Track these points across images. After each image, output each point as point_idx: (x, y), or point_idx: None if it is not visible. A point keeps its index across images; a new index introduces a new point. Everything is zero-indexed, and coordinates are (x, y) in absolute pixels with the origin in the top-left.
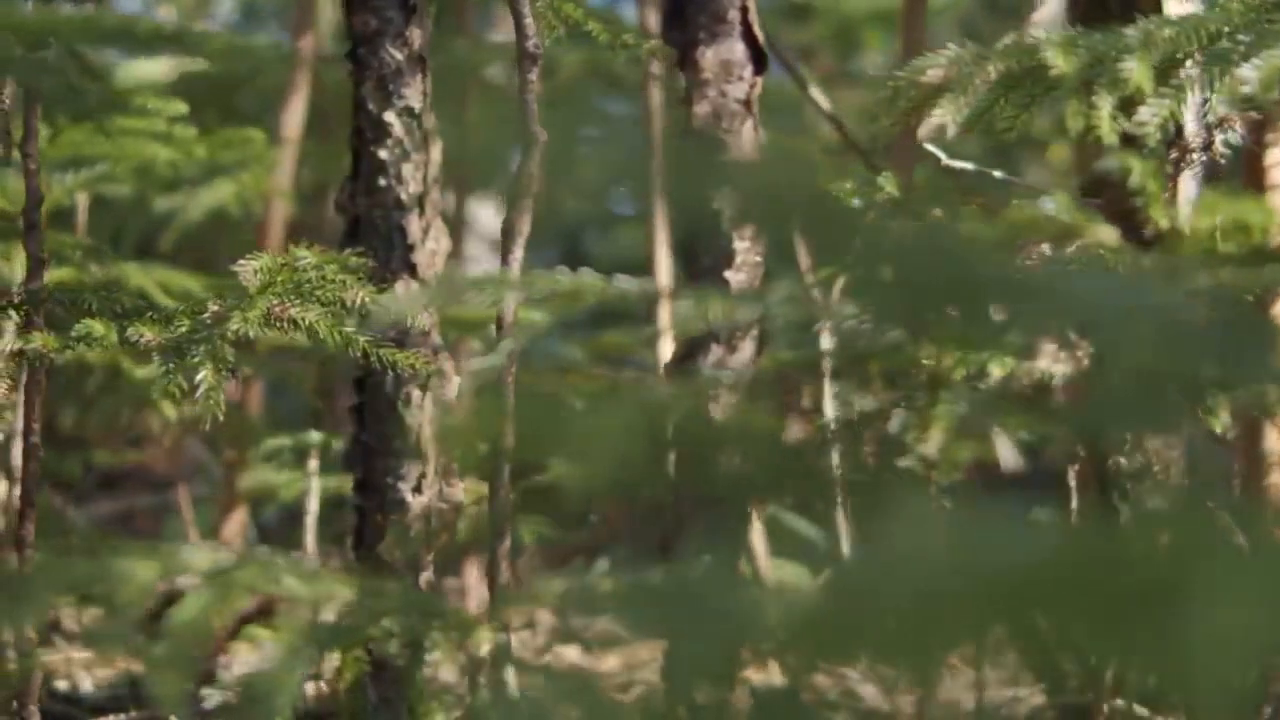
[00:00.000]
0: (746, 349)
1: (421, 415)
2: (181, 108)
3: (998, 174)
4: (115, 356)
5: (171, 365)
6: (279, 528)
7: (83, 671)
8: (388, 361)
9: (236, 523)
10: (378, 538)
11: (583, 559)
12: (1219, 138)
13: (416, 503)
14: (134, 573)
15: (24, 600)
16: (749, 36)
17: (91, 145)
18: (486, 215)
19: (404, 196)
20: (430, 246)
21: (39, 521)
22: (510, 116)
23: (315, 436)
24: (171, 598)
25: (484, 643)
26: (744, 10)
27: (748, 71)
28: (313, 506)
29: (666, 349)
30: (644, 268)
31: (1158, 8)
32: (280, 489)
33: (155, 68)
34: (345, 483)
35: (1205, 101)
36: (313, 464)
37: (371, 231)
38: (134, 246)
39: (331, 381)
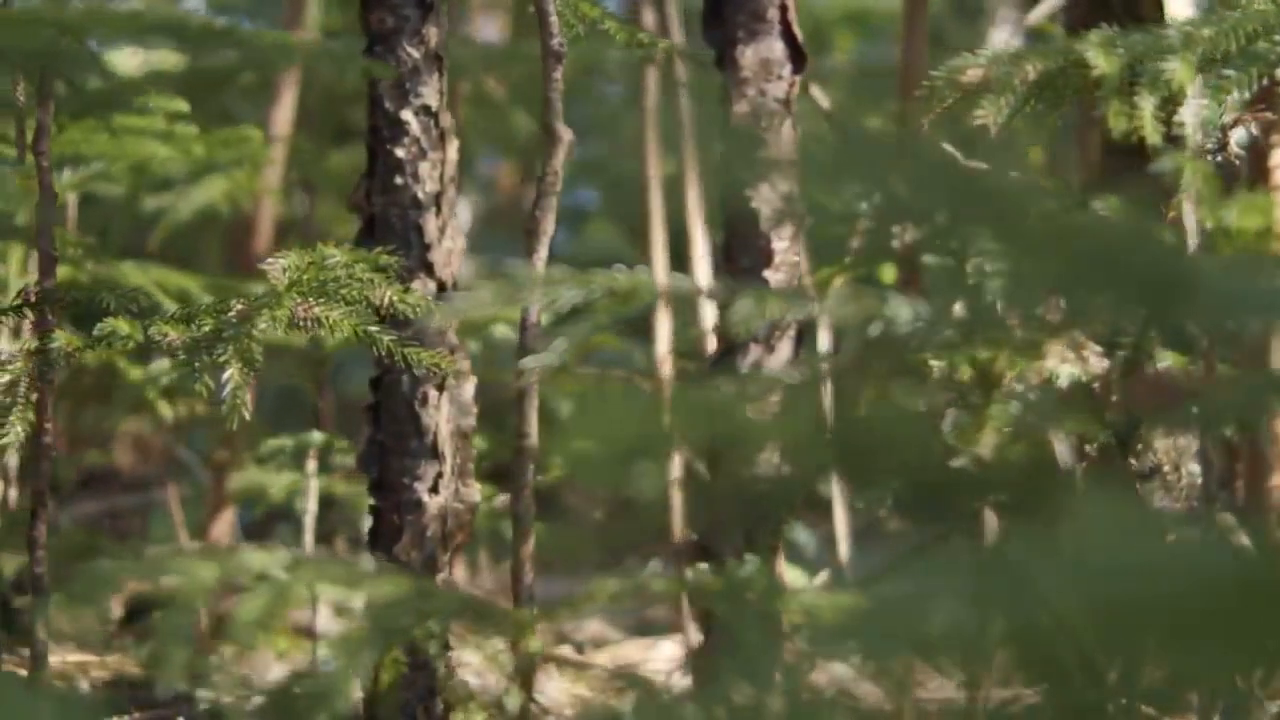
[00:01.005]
0: (785, 348)
1: (438, 415)
2: (183, 106)
3: (1013, 174)
4: (111, 356)
5: (198, 364)
6: (259, 528)
7: (78, 673)
8: (412, 360)
9: (225, 523)
10: (394, 538)
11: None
12: (1233, 138)
13: (433, 503)
14: (195, 573)
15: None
16: (788, 35)
17: (89, 143)
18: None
19: (421, 195)
20: (447, 245)
21: (27, 523)
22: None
23: (316, 437)
24: (148, 600)
25: (534, 644)
26: (783, 9)
27: (787, 70)
28: (311, 506)
29: (665, 349)
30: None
31: (1159, 9)
32: (271, 490)
33: (127, 63)
34: (334, 483)
35: (1237, 102)
36: (311, 465)
37: (388, 230)
38: (120, 245)
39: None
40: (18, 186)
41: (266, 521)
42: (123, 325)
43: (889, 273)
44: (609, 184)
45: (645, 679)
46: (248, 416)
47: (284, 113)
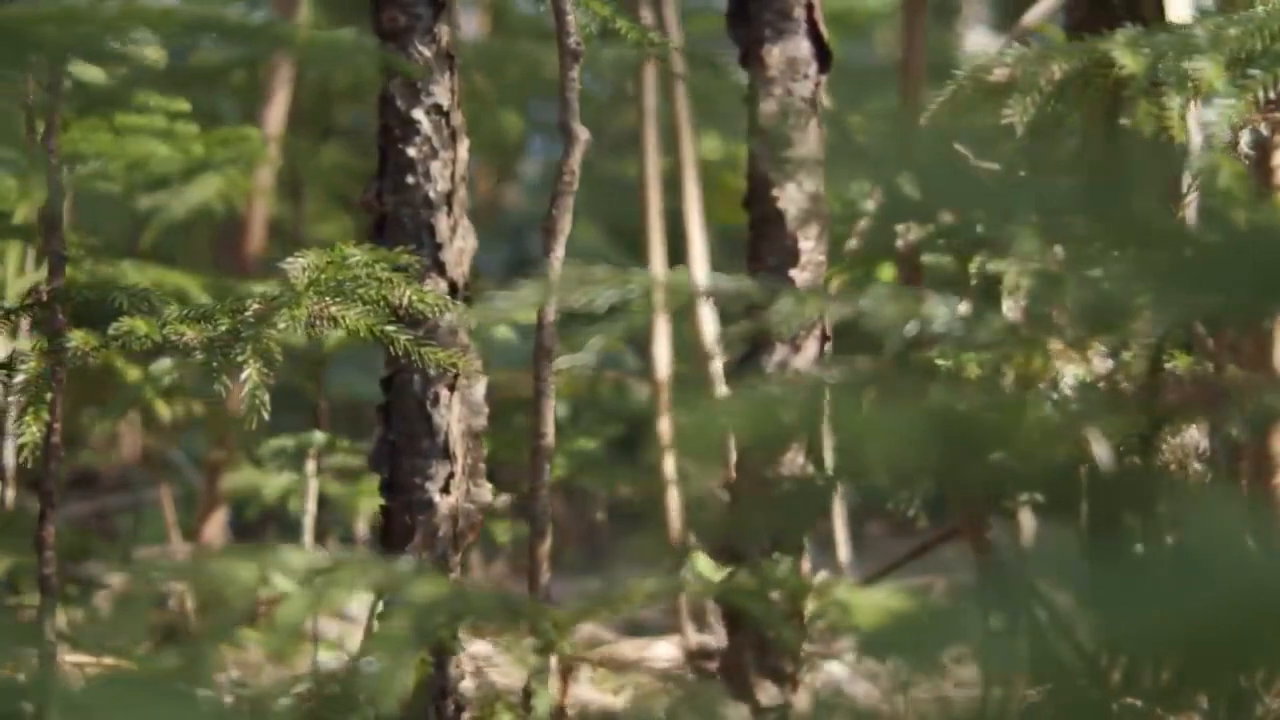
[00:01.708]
0: (810, 348)
1: (449, 415)
2: (184, 105)
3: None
4: (109, 356)
5: (216, 363)
6: (250, 529)
7: (75, 673)
8: (428, 360)
9: (217, 523)
10: (405, 538)
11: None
12: (1244, 138)
13: (444, 503)
14: (237, 574)
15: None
16: (814, 34)
17: (89, 141)
18: None
19: (432, 194)
20: (458, 245)
21: (21, 523)
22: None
23: (318, 437)
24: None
25: (568, 644)
26: (809, 7)
27: (813, 69)
28: (310, 507)
29: (662, 351)
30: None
31: (1160, 9)
32: (265, 490)
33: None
34: (326, 483)
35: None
36: (310, 465)
37: (399, 229)
38: (114, 244)
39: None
40: (15, 185)
41: (258, 522)
42: (140, 324)
43: (887, 272)
44: (593, 183)
45: (688, 680)
46: (267, 416)
47: (277, 111)
